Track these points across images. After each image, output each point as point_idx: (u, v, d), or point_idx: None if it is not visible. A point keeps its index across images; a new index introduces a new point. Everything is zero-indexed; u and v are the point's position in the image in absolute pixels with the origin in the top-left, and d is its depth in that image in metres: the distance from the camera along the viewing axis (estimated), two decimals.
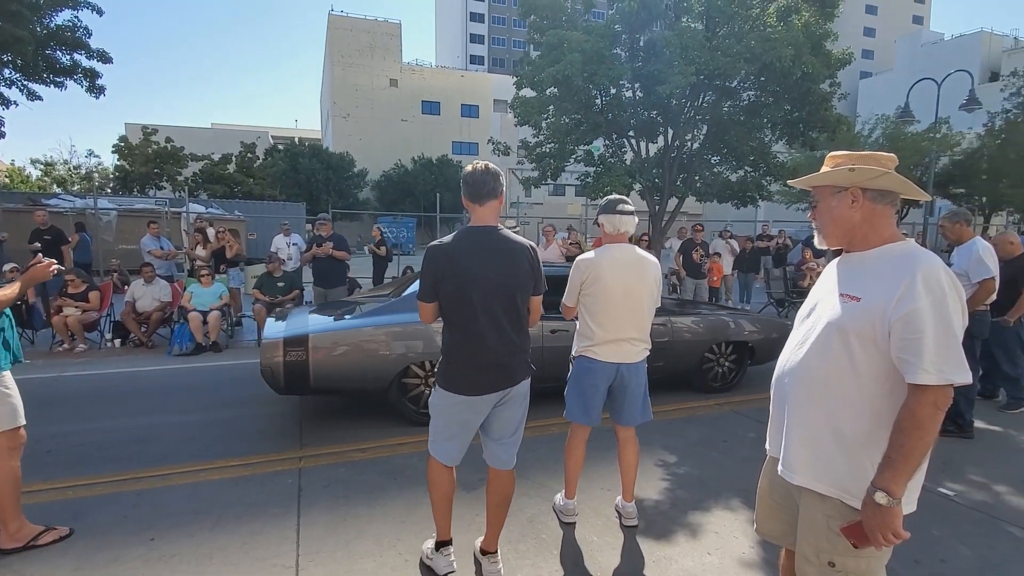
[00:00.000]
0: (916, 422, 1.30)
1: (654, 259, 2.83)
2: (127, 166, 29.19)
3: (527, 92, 11.71)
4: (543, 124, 11.57)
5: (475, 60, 72.10)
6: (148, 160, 28.99)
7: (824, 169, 1.54)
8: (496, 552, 2.52)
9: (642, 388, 2.86)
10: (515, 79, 12.01)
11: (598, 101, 11.45)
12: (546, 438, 4.06)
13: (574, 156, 12.10)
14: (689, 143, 12.12)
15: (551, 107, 11.43)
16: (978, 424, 4.51)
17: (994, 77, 38.89)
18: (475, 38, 74.05)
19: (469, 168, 2.31)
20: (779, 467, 1.60)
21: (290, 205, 25.29)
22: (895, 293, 1.35)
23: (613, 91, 11.29)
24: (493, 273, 2.21)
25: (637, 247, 2.83)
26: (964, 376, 1.30)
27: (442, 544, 2.52)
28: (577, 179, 12.67)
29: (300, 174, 35.44)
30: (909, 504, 1.43)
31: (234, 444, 4.03)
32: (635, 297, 2.72)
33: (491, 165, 2.30)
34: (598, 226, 2.89)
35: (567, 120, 11.43)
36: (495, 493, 2.47)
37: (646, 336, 2.82)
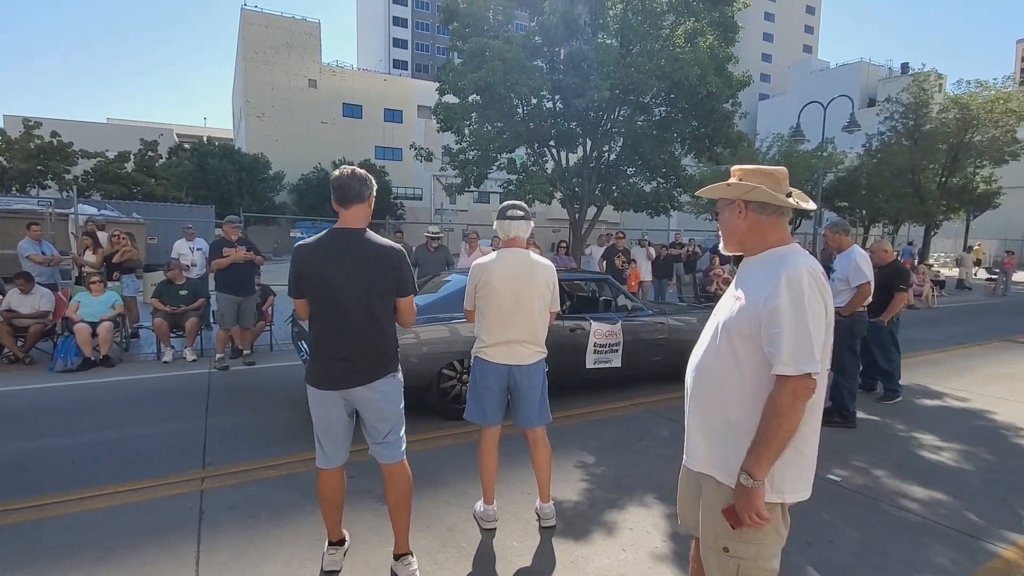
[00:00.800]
0: (776, 410, 1.41)
1: (547, 263, 2.89)
2: (4, 162, 26.17)
3: (450, 98, 11.71)
4: (466, 131, 11.60)
5: (398, 65, 71.11)
6: (30, 156, 26.15)
7: (729, 181, 1.67)
8: (408, 553, 2.55)
9: (537, 390, 2.89)
10: (438, 84, 11.97)
11: (520, 110, 11.65)
12: (467, 445, 4.03)
13: (497, 163, 12.22)
14: (607, 154, 12.59)
15: (474, 114, 11.49)
16: (860, 415, 4.98)
17: (872, 103, 43.42)
18: (398, 42, 73.07)
19: (336, 172, 2.39)
20: (683, 457, 1.70)
21: (197, 208, 23.65)
22: (765, 292, 1.47)
23: (534, 101, 11.52)
24: (350, 274, 2.31)
25: (532, 252, 2.90)
26: (814, 366, 1.40)
27: (331, 544, 2.60)
28: (500, 186, 12.79)
29: (209, 175, 33.29)
30: (802, 492, 1.55)
31: (125, 467, 3.69)
32: (525, 301, 2.78)
33: (358, 170, 2.40)
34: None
35: (490, 128, 11.53)
36: (391, 492, 2.51)
37: (538, 339, 2.87)
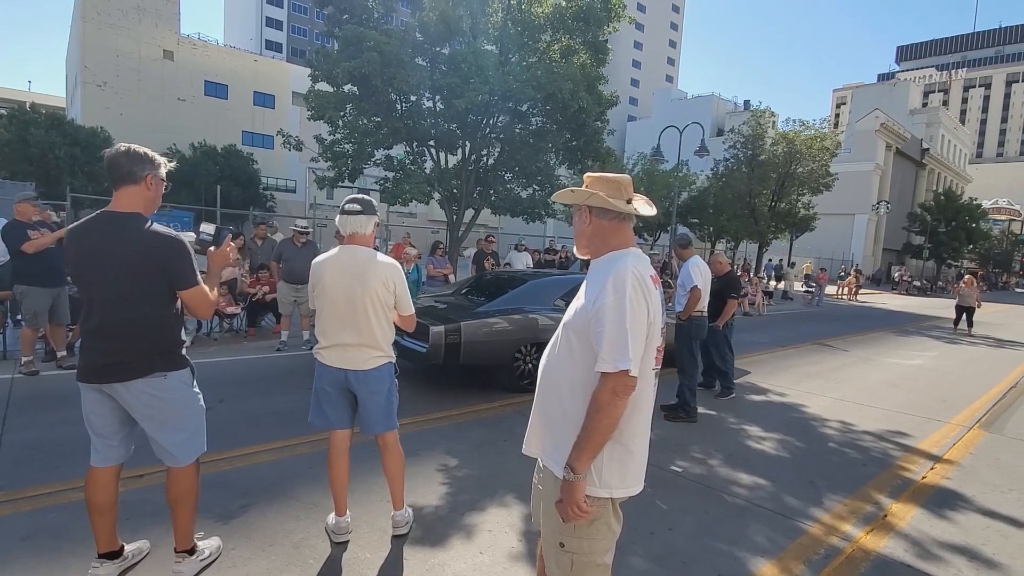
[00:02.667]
0: (597, 405, 1.47)
1: (390, 262, 2.72)
2: None
3: (324, 86, 11.10)
4: (340, 122, 11.06)
5: (272, 46, 66.41)
6: None
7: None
8: (190, 550, 2.44)
9: (379, 397, 2.74)
10: (310, 71, 11.29)
11: (398, 106, 11.37)
12: (324, 453, 3.79)
13: (374, 159, 11.81)
14: (485, 158, 12.73)
15: (349, 105, 11.00)
16: (701, 410, 5.49)
17: (720, 132, 48.71)
18: (272, 22, 68.27)
19: (110, 149, 2.18)
20: (523, 446, 1.76)
21: (12, 184, 20.02)
22: (596, 292, 1.54)
23: (413, 98, 11.32)
24: (104, 261, 2.15)
25: (374, 250, 2.74)
26: (628, 364, 1.45)
27: (100, 555, 2.39)
28: (375, 183, 12.38)
29: (32, 148, 28.29)
30: (631, 487, 1.61)
31: None
32: (357, 302, 2.62)
33: (135, 147, 2.19)
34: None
35: (366, 121, 11.12)
36: (168, 490, 2.39)
37: (377, 343, 2.69)
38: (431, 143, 12.36)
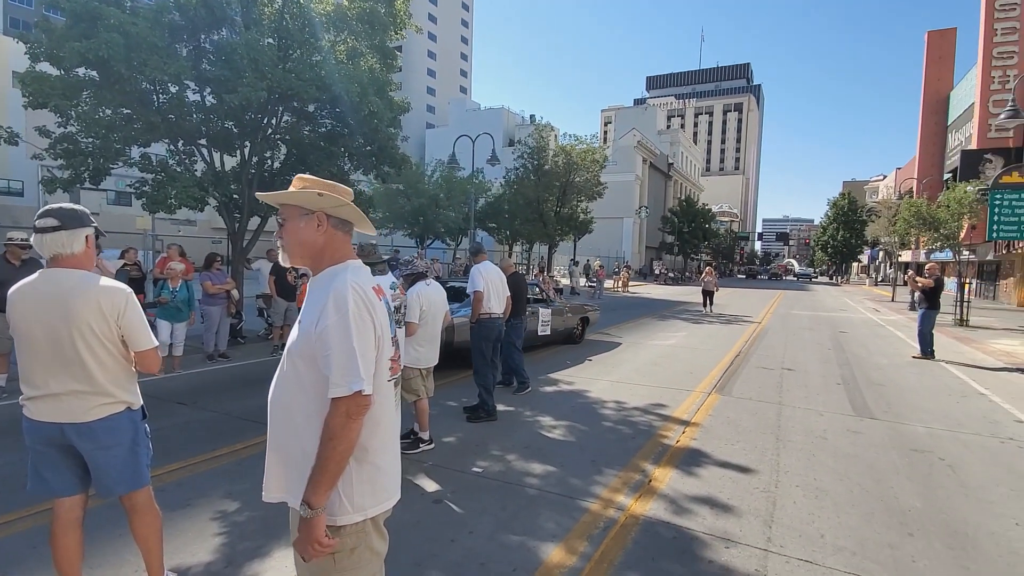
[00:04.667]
0: (330, 433, 1.38)
1: (110, 287, 2.20)
2: None
3: (48, 68, 8.99)
4: (73, 112, 9.09)
5: None
6: None
7: (292, 189, 1.57)
8: None
9: (114, 451, 2.24)
10: (28, 47, 9.05)
11: (155, 98, 9.77)
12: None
13: (125, 159, 9.94)
14: (270, 161, 11.67)
15: (85, 93, 9.11)
16: (501, 407, 5.76)
17: (512, 143, 52.25)
18: None
19: None
20: (263, 494, 1.57)
21: None
22: (318, 313, 1.45)
23: (175, 90, 9.83)
24: None
25: (89, 273, 2.21)
26: (361, 384, 1.40)
27: None
28: (129, 185, 10.47)
29: None
30: (386, 501, 1.54)
31: None
32: (63, 340, 2.11)
33: None
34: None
35: (110, 113, 9.32)
36: None
37: (102, 387, 2.18)
38: (202, 142, 10.89)
